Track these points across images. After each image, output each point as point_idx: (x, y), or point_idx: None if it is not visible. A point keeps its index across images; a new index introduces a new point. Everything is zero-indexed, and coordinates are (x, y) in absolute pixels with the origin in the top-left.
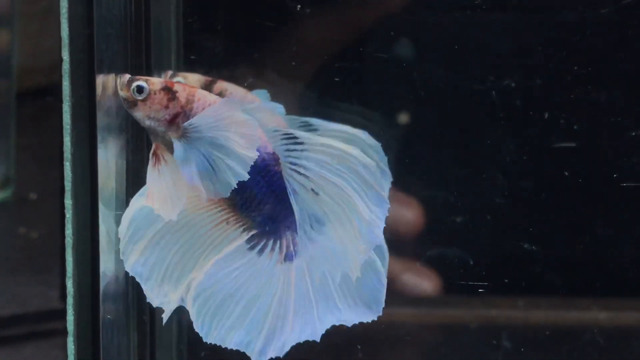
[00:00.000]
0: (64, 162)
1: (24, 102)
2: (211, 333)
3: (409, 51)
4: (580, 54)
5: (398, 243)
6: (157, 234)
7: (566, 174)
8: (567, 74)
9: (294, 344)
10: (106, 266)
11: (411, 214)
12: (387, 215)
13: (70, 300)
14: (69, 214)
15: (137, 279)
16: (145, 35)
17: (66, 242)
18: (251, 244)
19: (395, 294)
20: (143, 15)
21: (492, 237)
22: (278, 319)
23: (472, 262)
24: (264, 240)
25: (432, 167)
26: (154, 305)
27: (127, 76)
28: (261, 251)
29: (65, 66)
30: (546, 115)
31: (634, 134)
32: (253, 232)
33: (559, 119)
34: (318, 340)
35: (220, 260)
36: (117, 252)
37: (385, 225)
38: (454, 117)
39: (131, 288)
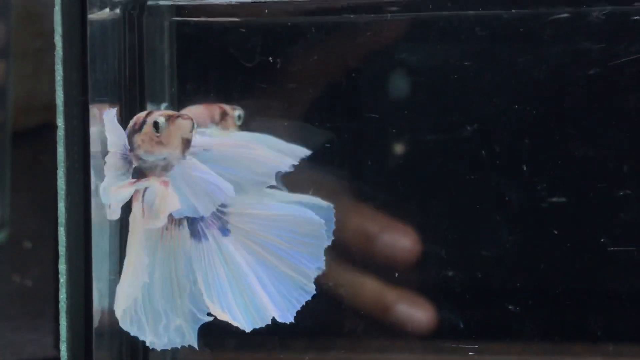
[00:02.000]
0: (59, 227)
1: (19, 143)
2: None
3: (404, 93)
4: (571, 112)
5: (394, 272)
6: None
7: (555, 232)
8: (557, 132)
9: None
10: (100, 328)
11: (407, 242)
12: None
13: None
14: (62, 279)
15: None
16: (140, 100)
17: (60, 306)
18: (193, 237)
19: (391, 327)
20: (137, 79)
21: (482, 292)
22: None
23: (462, 325)
24: (195, 223)
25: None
26: (159, 347)
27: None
28: (200, 236)
29: (60, 132)
30: (537, 172)
31: (622, 193)
32: (184, 221)
33: (548, 176)
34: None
35: (207, 277)
36: (111, 313)
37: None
38: (442, 178)
39: (124, 349)
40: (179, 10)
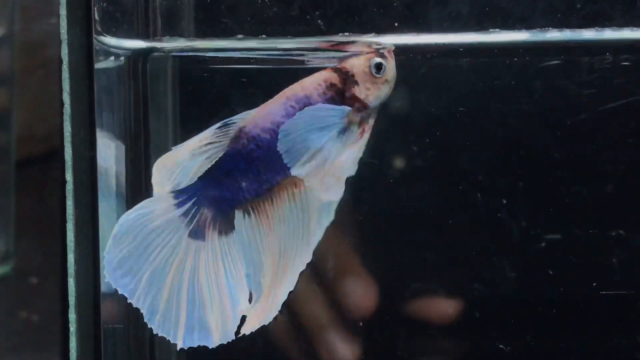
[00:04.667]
0: (68, 278)
1: (23, 172)
2: None
3: (393, 136)
4: (563, 155)
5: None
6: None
7: (550, 272)
8: (550, 174)
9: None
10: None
11: (362, 298)
12: None
13: None
14: (72, 328)
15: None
16: (145, 149)
17: (70, 355)
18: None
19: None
20: (142, 130)
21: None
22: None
23: None
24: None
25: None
26: None
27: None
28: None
29: (69, 187)
30: (530, 213)
31: (614, 233)
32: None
33: (542, 217)
34: None
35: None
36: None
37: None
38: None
39: None
40: (182, 58)
